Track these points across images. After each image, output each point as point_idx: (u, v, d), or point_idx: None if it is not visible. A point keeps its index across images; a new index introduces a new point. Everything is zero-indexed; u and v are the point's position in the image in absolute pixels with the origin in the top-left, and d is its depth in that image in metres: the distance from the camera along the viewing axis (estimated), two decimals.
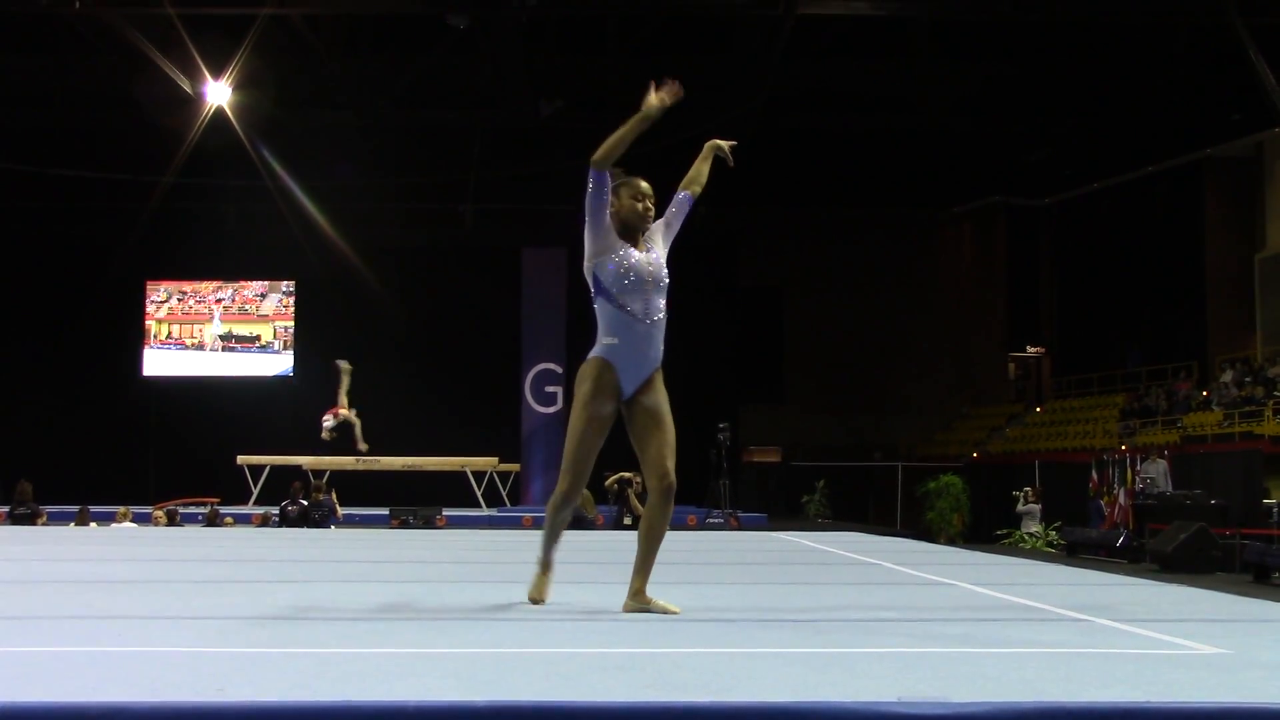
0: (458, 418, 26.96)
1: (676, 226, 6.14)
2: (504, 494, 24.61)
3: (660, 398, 5.67)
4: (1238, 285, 29.73)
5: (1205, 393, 28.01)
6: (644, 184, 6.03)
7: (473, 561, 9.20)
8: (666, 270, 5.79)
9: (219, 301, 30.36)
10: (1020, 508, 23.42)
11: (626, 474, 18.47)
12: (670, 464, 5.59)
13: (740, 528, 19.66)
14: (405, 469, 23.59)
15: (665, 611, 5.35)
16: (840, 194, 30.72)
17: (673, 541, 12.54)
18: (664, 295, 5.73)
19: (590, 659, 4.03)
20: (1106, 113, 27.02)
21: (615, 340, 5.64)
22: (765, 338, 32.22)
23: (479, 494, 23.66)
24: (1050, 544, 19.62)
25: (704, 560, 9.50)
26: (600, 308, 5.78)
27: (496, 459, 24.34)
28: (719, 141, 6.42)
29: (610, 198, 5.95)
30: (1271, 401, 24.98)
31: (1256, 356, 28.32)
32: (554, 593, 6.07)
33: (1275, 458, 23.01)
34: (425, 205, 29.06)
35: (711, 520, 20.55)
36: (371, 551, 10.30)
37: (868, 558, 9.53)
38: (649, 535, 5.67)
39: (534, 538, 13.06)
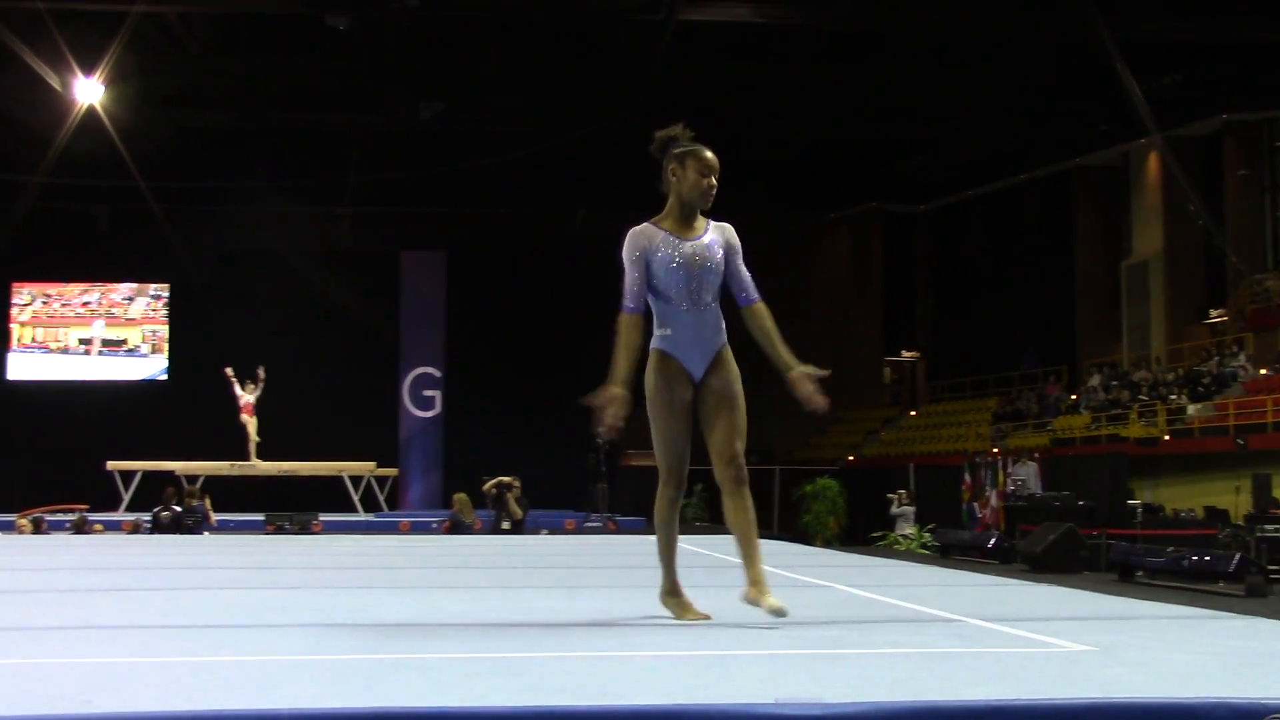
0: (335, 422, 26.66)
1: (734, 271, 5.46)
2: (382, 499, 24.38)
3: (728, 376, 5.29)
4: (1105, 291, 30.47)
5: (1074, 396, 28.66)
6: (711, 156, 5.44)
7: (350, 567, 9.09)
8: (719, 256, 5.34)
9: (85, 305, 29.69)
10: (894, 510, 23.75)
11: (505, 478, 18.43)
12: (739, 447, 5.18)
13: (618, 531, 19.68)
14: (281, 474, 23.28)
15: (773, 610, 4.93)
16: (720, 199, 30.85)
17: (550, 545, 12.54)
18: (715, 279, 5.29)
19: (467, 664, 4.00)
20: (980, 122, 27.57)
21: (668, 331, 5.26)
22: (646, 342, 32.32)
23: (356, 499, 23.42)
24: (924, 546, 19.91)
25: (582, 564, 9.49)
26: (650, 299, 5.33)
27: (374, 463, 24.13)
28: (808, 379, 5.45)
29: (674, 166, 5.43)
30: (1136, 405, 25.64)
31: (1123, 361, 29.05)
32: (484, 599, 6.00)
33: (1140, 459, 23.62)
34: (303, 208, 28.70)
35: (590, 524, 20.56)
36: (246, 558, 10.14)
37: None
38: (738, 536, 5.22)
39: (412, 543, 12.96)
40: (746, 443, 5.24)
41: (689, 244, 5.24)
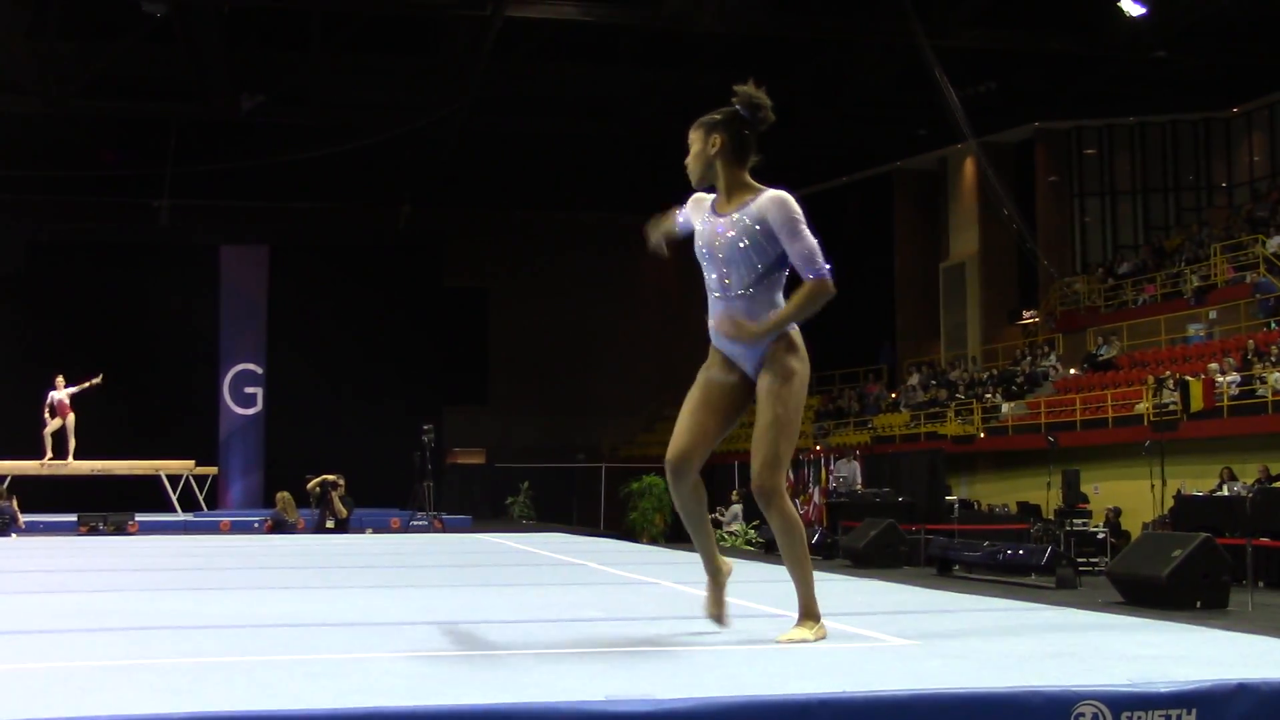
0: (152, 420, 25.96)
1: (788, 250, 4.55)
2: (201, 498, 23.80)
3: (768, 379, 4.49)
4: (924, 292, 31.24)
5: (894, 395, 29.32)
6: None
7: (168, 569, 8.86)
8: (740, 239, 4.51)
9: None
10: (727, 515, 24.00)
11: (329, 476, 18.17)
12: (756, 465, 4.45)
13: (444, 530, 19.54)
14: (95, 473, 22.55)
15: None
16: (547, 198, 30.98)
17: (376, 544, 12.39)
18: (743, 266, 4.51)
19: (291, 666, 3.93)
20: (804, 124, 28.02)
21: (709, 315, 4.65)
22: (470, 339, 32.16)
23: (174, 498, 22.81)
24: (749, 542, 20.17)
25: (408, 563, 9.41)
26: None
27: (193, 462, 23.51)
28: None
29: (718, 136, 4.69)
30: (953, 404, 26.35)
31: (941, 361, 29.82)
32: (308, 600, 5.88)
33: (956, 456, 24.29)
34: (118, 199, 27.90)
35: (415, 523, 20.36)
36: (57, 560, 9.82)
37: (572, 558, 9.61)
38: (786, 558, 4.61)
39: (232, 543, 12.69)
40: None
41: (713, 222, 4.62)
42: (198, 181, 27.35)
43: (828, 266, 4.47)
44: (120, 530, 17.74)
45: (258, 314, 28.51)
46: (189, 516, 22.04)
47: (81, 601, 6.24)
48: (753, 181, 4.62)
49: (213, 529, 19.28)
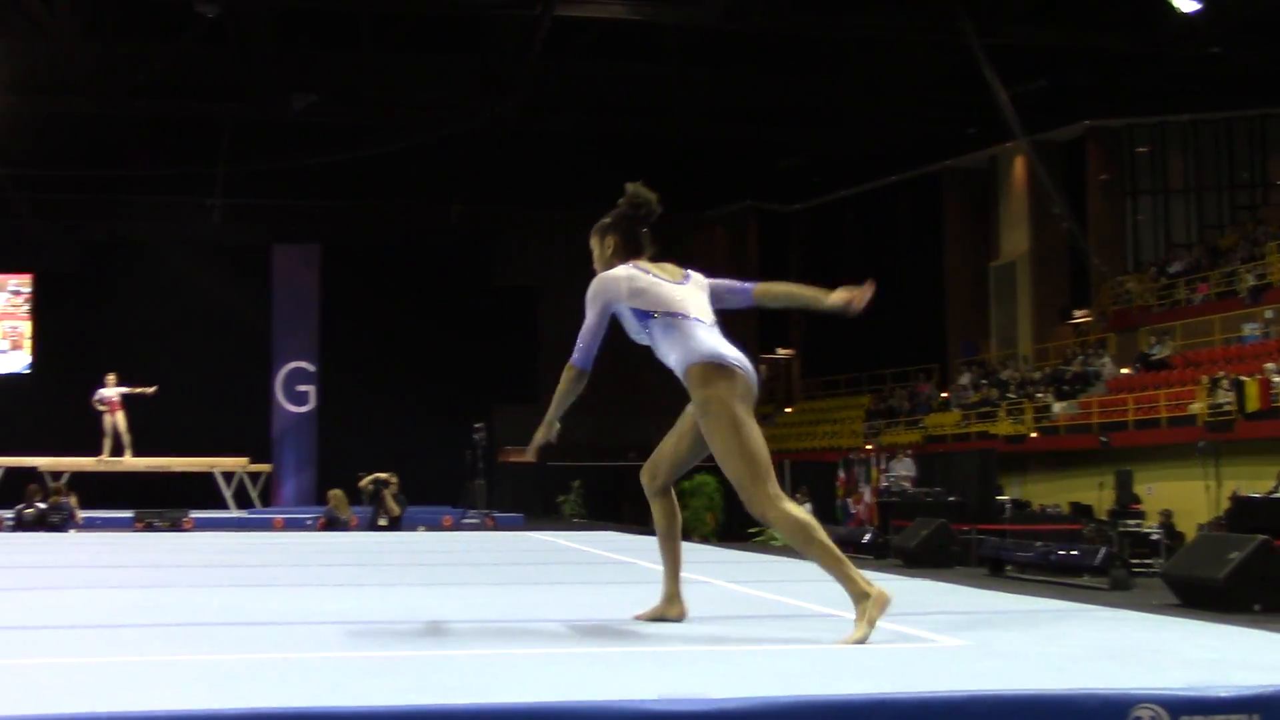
0: (206, 417, 26.14)
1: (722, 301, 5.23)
2: (254, 495, 23.97)
3: (695, 417, 4.95)
4: (974, 291, 31.03)
5: (945, 394, 29.15)
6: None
7: (222, 565, 8.93)
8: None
9: None
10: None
11: (382, 474, 18.24)
12: (740, 497, 4.80)
13: (497, 528, 19.59)
14: (150, 470, 22.76)
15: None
16: (596, 195, 30.89)
17: (428, 542, 12.43)
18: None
19: (349, 663, 3.94)
20: (854, 123, 27.93)
21: None
22: (520, 338, 32.21)
23: (228, 495, 22.99)
24: None
25: (460, 561, 9.43)
26: None
27: (246, 459, 23.69)
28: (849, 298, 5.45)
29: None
30: (1005, 403, 26.16)
31: (991, 360, 29.62)
32: (361, 598, 5.91)
33: (1008, 456, 24.11)
34: (173, 199, 28.14)
35: (467, 521, 20.43)
36: (114, 556, 9.91)
37: (624, 557, 9.60)
38: (811, 558, 4.80)
39: (285, 540, 12.76)
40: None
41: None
42: (250, 181, 27.53)
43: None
44: (175, 527, 17.89)
45: (309, 312, 28.72)
46: (243, 513, 22.21)
47: (137, 597, 6.29)
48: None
49: (266, 526, 19.41)
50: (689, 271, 5.20)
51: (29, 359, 28.82)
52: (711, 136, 28.61)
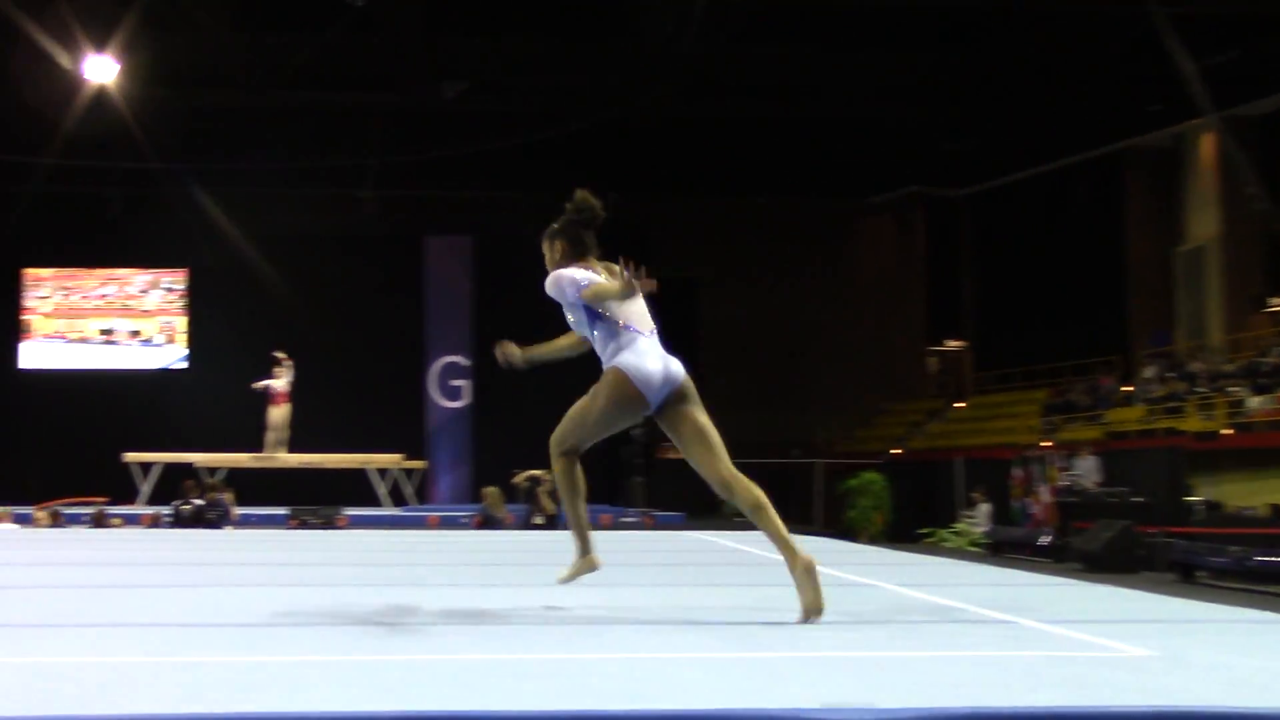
0: (360, 413, 26.64)
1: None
2: (409, 492, 24.40)
3: (687, 405, 6.08)
4: (1158, 279, 30.23)
5: (1128, 388, 28.44)
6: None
7: (377, 564, 9.09)
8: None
9: (103, 297, 29.87)
10: (972, 513, 23.60)
11: (537, 472, 18.41)
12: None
13: (656, 527, 19.66)
14: (304, 466, 23.30)
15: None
16: (756, 183, 30.85)
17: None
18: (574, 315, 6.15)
19: (501, 666, 3.98)
20: (1026, 103, 27.37)
21: (652, 352, 6.10)
22: (679, 330, 32.18)
23: (382, 493, 23.45)
24: (974, 543, 19.84)
25: (619, 561, 9.47)
26: None
27: (401, 456, 24.12)
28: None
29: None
30: (1194, 397, 25.44)
31: (1179, 351, 28.82)
32: (518, 598, 6.00)
33: (1198, 454, 23.42)
34: (323, 191, 28.76)
35: (626, 519, 20.54)
36: (268, 554, 10.16)
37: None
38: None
39: (442, 538, 12.96)
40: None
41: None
42: (401, 172, 28.02)
43: None
44: (329, 524, 18.30)
45: (463, 305, 29.10)
46: (398, 511, 22.63)
47: (293, 596, 6.43)
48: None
49: (421, 524, 19.75)
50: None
51: (184, 353, 29.72)
52: (875, 119, 28.30)
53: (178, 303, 29.86)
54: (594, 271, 5.88)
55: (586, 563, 6.01)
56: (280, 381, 22.56)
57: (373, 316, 28.48)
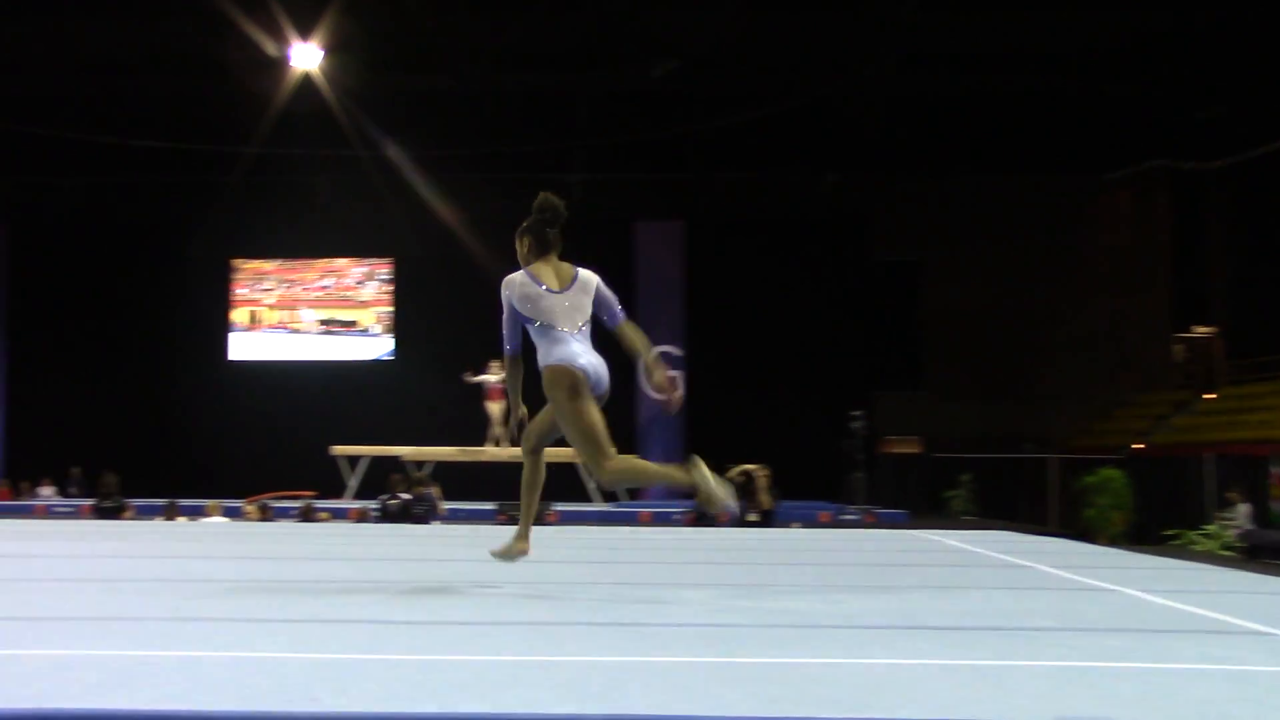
0: None
1: (606, 302, 7.03)
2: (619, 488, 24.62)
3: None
4: None
5: None
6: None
7: (586, 561, 9.20)
8: (586, 300, 6.92)
9: (323, 288, 30.77)
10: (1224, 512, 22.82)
11: (752, 466, 18.39)
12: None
13: (877, 525, 19.51)
14: (513, 460, 23.65)
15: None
16: (983, 160, 30.30)
17: (803, 540, 12.47)
18: (588, 316, 6.91)
19: (710, 670, 3.99)
20: None
21: (561, 354, 6.65)
22: (901, 317, 31.93)
23: (592, 487, 23.70)
24: (1227, 546, 19.18)
25: (839, 561, 9.42)
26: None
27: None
28: (661, 379, 6.98)
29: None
30: None
31: None
32: (729, 599, 6.03)
33: None
34: (530, 175, 29.14)
35: (846, 516, 20.42)
36: (478, 550, 10.34)
37: (1020, 560, 9.38)
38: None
39: (650, 535, 13.06)
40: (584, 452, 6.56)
41: (555, 297, 6.75)
42: (609, 154, 28.26)
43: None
44: (538, 519, 18.56)
45: (675, 293, 29.22)
46: (608, 506, 22.88)
47: (502, 595, 6.53)
48: (560, 261, 6.88)
49: (632, 519, 19.94)
50: (580, 273, 6.79)
51: (392, 344, 30.47)
52: (1115, 86, 27.51)
53: (387, 290, 30.61)
54: (540, 284, 6.65)
55: (519, 547, 7.07)
56: (496, 376, 23.02)
57: None
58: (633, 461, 6.91)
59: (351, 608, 5.80)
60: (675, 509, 20.86)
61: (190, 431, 28.96)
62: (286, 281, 30.66)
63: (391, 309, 30.47)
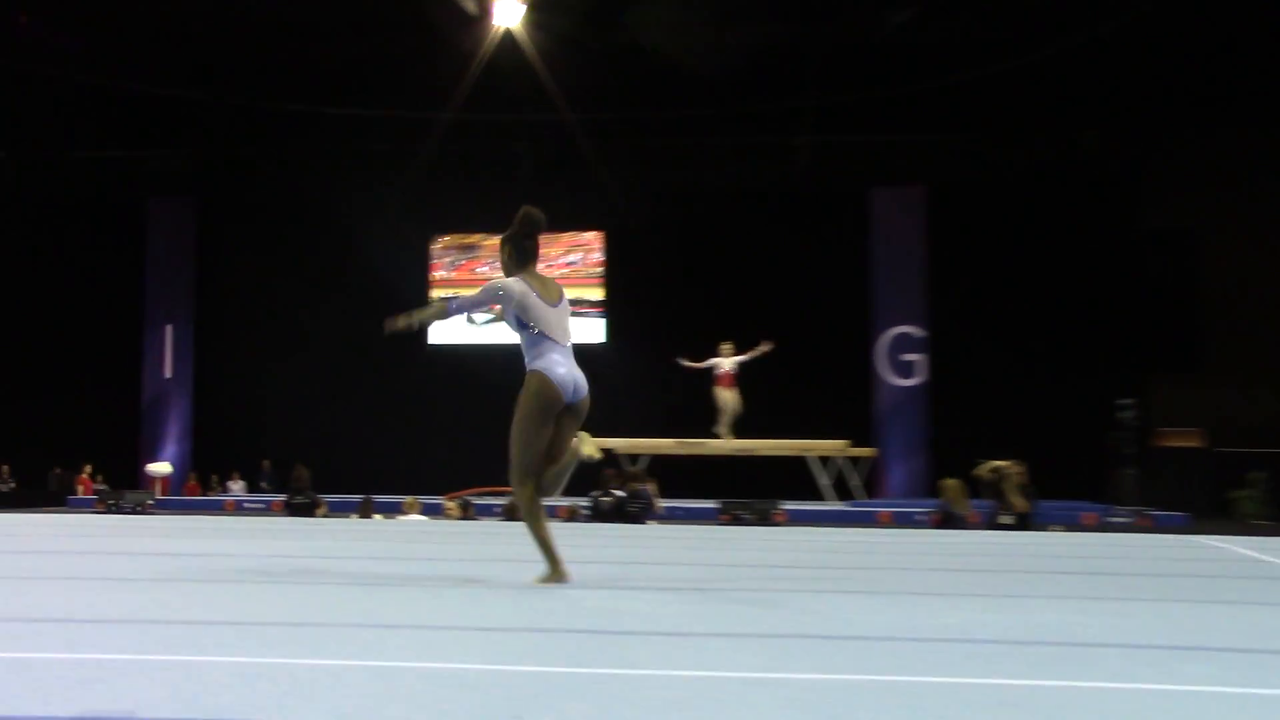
0: (798, 393, 26.75)
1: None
2: (855, 484, 24.46)
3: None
4: None
5: None
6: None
7: (817, 566, 9.15)
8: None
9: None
10: None
11: (1004, 463, 18.08)
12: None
13: (1153, 529, 19.04)
14: (737, 454, 23.71)
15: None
16: (1269, 111, 29.27)
17: (1064, 545, 12.23)
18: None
19: (959, 691, 3.93)
20: None
21: (560, 365, 7.75)
22: (1175, 292, 31.04)
23: (825, 484, 23.62)
24: None
25: (1105, 569, 9.21)
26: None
27: (846, 442, 24.21)
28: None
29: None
30: None
31: None
32: (980, 612, 5.97)
33: None
34: (752, 139, 29.08)
35: (1115, 519, 19.97)
36: (697, 552, 10.37)
37: None
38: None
39: (891, 538, 12.95)
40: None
41: (555, 309, 7.79)
42: (841, 115, 27.96)
43: None
44: (764, 520, 18.56)
45: (915, 267, 28.84)
46: (843, 505, 22.75)
47: (722, 601, 6.52)
48: (540, 272, 7.89)
49: (869, 520, 19.78)
50: (564, 290, 7.88)
51: (602, 326, 30.58)
52: None
53: (595, 266, 30.75)
54: (537, 294, 7.63)
55: (557, 574, 7.60)
56: (728, 361, 23.07)
57: (810, 282, 28.58)
58: (539, 507, 7.72)
59: (557, 614, 5.84)
60: (918, 508, 20.63)
61: (387, 422, 29.56)
62: (489, 259, 30.98)
63: (602, 287, 30.59)
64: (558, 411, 7.68)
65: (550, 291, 7.77)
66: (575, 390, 7.74)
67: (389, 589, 7.09)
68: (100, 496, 22.15)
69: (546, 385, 7.56)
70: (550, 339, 7.65)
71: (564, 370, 7.63)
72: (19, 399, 29.88)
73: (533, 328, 7.63)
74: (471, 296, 7.84)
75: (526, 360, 7.70)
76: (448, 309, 7.85)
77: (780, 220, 28.90)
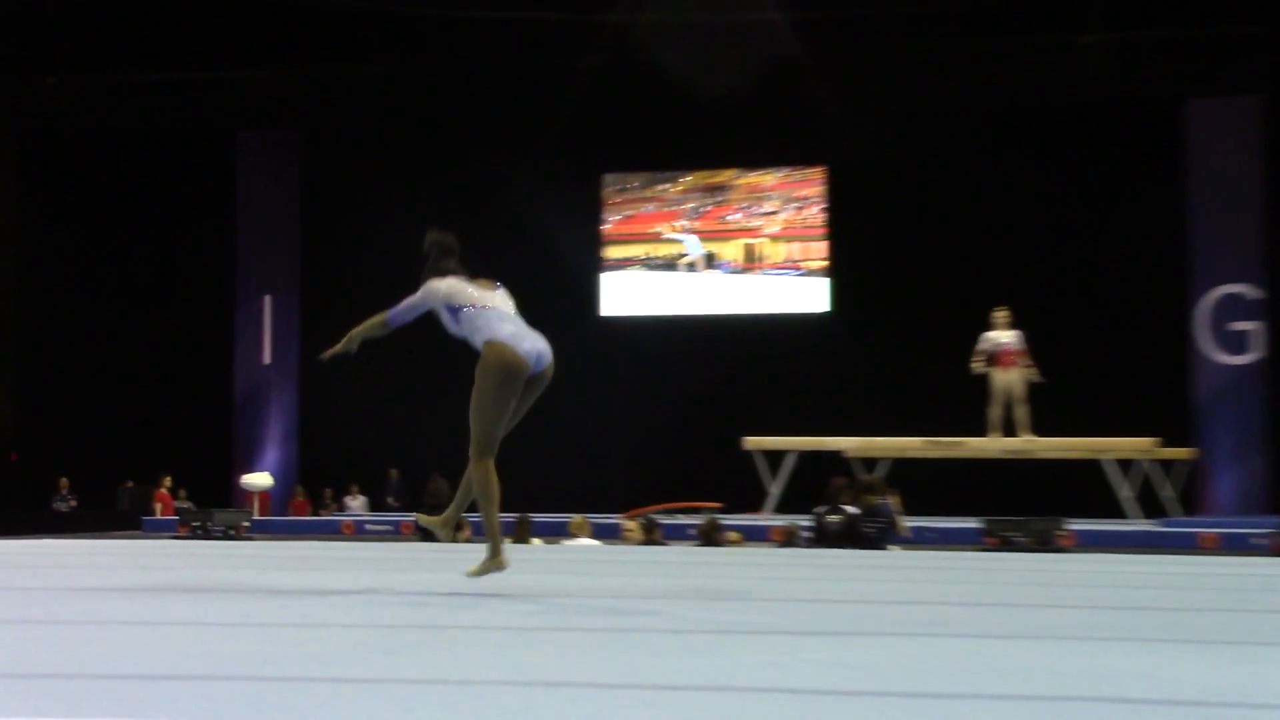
0: (1090, 376, 26.38)
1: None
2: (1167, 496, 24.01)
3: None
4: None
5: None
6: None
7: (1118, 606, 8.98)
8: None
9: (730, 212, 30.77)
10: None
11: None
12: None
13: None
14: (1007, 456, 23.41)
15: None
16: None
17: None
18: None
19: None
20: None
21: (520, 342, 9.03)
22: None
23: (1126, 496, 23.24)
24: None
25: None
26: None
27: (1154, 441, 23.78)
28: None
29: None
30: None
31: None
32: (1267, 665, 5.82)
33: None
34: (1025, 40, 28.68)
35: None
36: (955, 587, 10.23)
37: None
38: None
39: (1217, 566, 12.70)
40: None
41: (495, 297, 9.34)
42: (1142, 6, 27.38)
43: None
44: (1044, 543, 18.28)
45: (1246, 204, 28.14)
46: (1150, 525, 22.37)
47: (983, 651, 6.41)
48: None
49: (1188, 544, 19.45)
50: (499, 285, 9.41)
51: (826, 291, 30.11)
52: None
53: (813, 213, 30.34)
54: (462, 279, 9.21)
55: (496, 563, 8.97)
56: (1008, 334, 22.64)
57: (1102, 228, 28.10)
58: (494, 487, 8.94)
59: (772, 669, 5.78)
60: (1256, 528, 20.21)
61: (546, 418, 29.46)
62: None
63: (826, 240, 30.26)
64: (522, 380, 8.94)
65: (483, 284, 9.26)
66: (539, 359, 9.00)
67: (539, 633, 7.06)
68: (183, 517, 22.38)
69: (507, 351, 8.81)
70: (492, 308, 9.04)
71: (523, 339, 8.94)
72: (81, 396, 30.35)
73: (467, 306, 9.00)
74: (407, 302, 9.23)
75: (476, 339, 8.97)
76: (389, 320, 9.28)
77: (1061, 147, 28.49)
